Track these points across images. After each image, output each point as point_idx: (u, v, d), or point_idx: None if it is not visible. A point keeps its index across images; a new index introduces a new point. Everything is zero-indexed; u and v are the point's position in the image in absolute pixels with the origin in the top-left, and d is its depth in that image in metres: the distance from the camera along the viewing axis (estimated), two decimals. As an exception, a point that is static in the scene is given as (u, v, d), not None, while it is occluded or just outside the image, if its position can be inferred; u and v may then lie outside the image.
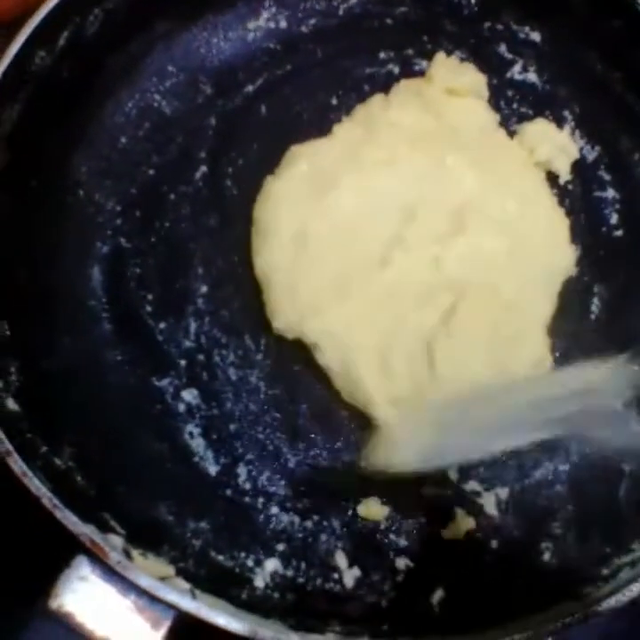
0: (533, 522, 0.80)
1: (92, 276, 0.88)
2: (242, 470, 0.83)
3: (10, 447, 0.71)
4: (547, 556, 0.78)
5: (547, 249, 0.90)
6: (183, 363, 0.86)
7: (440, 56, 0.96)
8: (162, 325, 0.87)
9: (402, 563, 0.79)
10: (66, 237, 0.89)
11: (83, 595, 0.66)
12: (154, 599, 0.67)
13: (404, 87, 0.95)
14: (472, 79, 0.96)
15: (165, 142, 0.94)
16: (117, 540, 0.71)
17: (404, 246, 0.86)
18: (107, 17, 0.90)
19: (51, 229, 0.88)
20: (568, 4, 0.95)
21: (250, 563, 0.78)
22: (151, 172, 0.93)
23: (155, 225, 0.91)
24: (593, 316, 0.88)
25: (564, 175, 0.93)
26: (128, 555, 0.70)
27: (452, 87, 0.95)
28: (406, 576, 0.78)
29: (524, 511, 0.80)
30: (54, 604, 0.66)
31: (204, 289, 0.89)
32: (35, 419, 0.77)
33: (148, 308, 0.88)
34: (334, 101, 0.96)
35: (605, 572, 0.73)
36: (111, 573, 0.67)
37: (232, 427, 0.84)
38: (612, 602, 0.69)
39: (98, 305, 0.87)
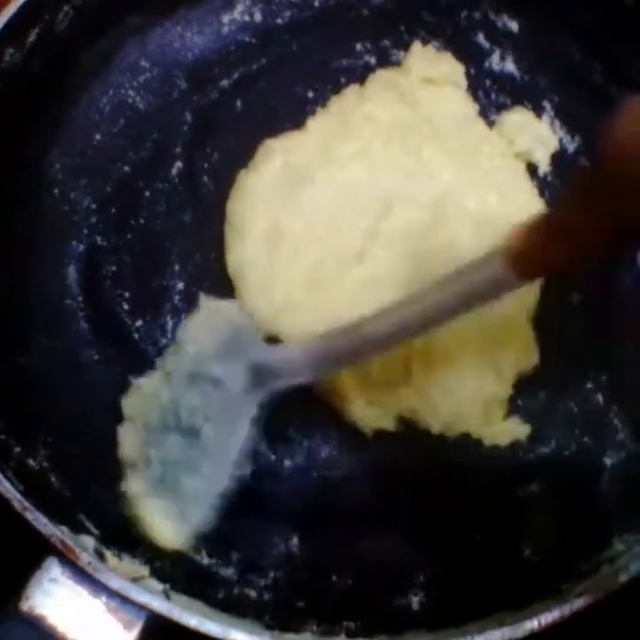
0: (514, 518, 0.79)
1: (68, 274, 0.88)
2: (219, 468, 0.82)
3: (-21, 449, 0.70)
4: (527, 553, 0.77)
5: None
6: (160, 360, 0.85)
7: (416, 46, 0.96)
8: (138, 323, 0.86)
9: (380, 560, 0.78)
10: (41, 236, 0.88)
11: (54, 597, 0.66)
12: (126, 600, 0.66)
13: (380, 78, 0.94)
14: (449, 69, 0.95)
15: (140, 138, 0.93)
16: (89, 541, 0.70)
17: (380, 241, 0.85)
18: (77, 13, 0.88)
19: (25, 229, 0.87)
20: (546, -8, 0.95)
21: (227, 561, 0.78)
22: (126, 168, 0.92)
23: (130, 222, 0.90)
24: (573, 307, 0.88)
25: (544, 166, 0.93)
26: (101, 556, 0.70)
27: (430, 77, 0.94)
28: (384, 573, 0.77)
29: (503, 507, 0.79)
30: (25, 606, 0.65)
31: (180, 286, 0.88)
32: (8, 420, 0.76)
33: (125, 307, 0.87)
34: (311, 94, 0.95)
35: (585, 567, 0.72)
36: (83, 575, 0.66)
37: (209, 424, 0.83)
38: (589, 598, 0.68)
39: (74, 304, 0.87)
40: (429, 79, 0.94)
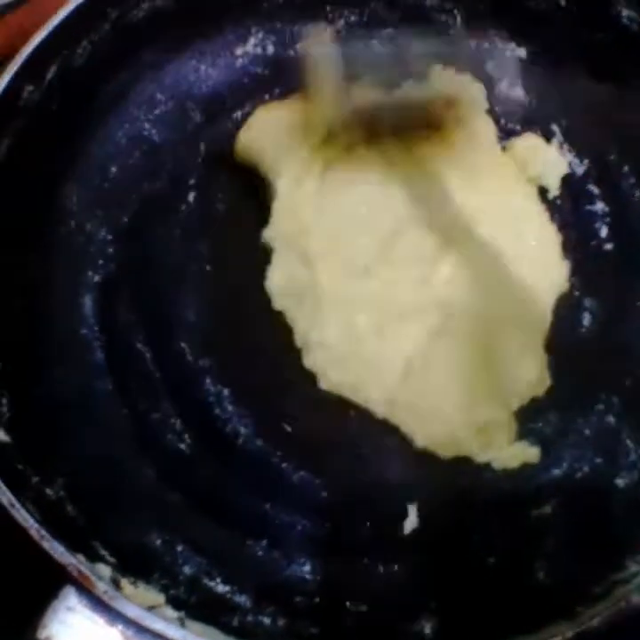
0: (527, 540, 0.79)
1: (84, 304, 0.89)
2: (234, 497, 0.83)
3: (-1, 479, 0.71)
4: (541, 575, 0.77)
5: (539, 265, 0.89)
6: (175, 390, 0.86)
7: (437, 68, 0.96)
8: (153, 353, 0.88)
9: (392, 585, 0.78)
10: (57, 267, 0.90)
11: (71, 625, 0.66)
12: (141, 628, 0.67)
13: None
14: (471, 90, 0.95)
15: (155, 170, 0.95)
16: (106, 570, 0.71)
17: (389, 260, 0.87)
18: (94, 49, 0.91)
19: (42, 259, 0.89)
20: (552, 19, 0.96)
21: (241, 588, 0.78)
22: (141, 200, 0.94)
23: (146, 253, 0.92)
24: (584, 330, 0.88)
25: (554, 190, 0.93)
26: (117, 584, 0.70)
27: (452, 98, 0.94)
28: (397, 598, 0.77)
29: (516, 529, 0.79)
30: (42, 635, 0.65)
31: (193, 317, 0.89)
32: (26, 450, 0.77)
33: (140, 336, 0.88)
34: (323, 124, 0.97)
35: (598, 589, 0.72)
36: (99, 603, 0.67)
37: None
38: (603, 619, 0.68)
39: (89, 333, 0.88)
40: (451, 101, 0.94)
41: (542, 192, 0.93)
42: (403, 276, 0.87)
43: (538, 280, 0.88)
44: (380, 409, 0.83)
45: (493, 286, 0.88)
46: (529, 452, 0.82)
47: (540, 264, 0.89)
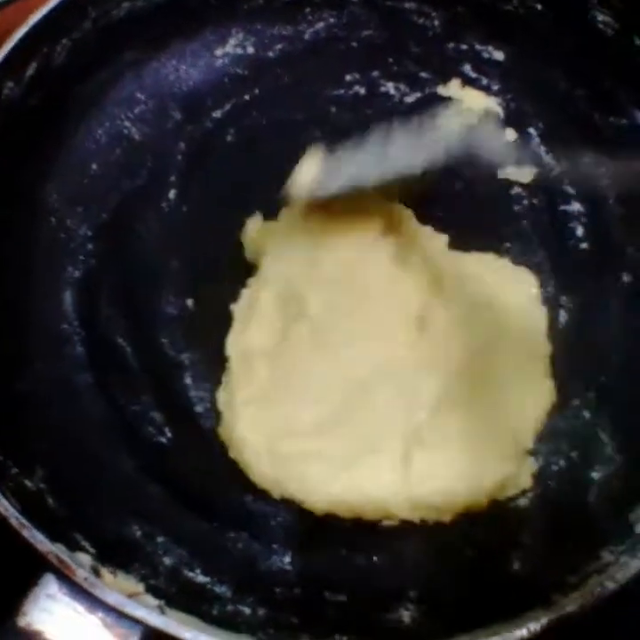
0: (505, 532, 0.80)
1: (64, 300, 0.90)
2: (213, 488, 0.83)
3: (-22, 469, 0.71)
4: (516, 565, 0.77)
5: (518, 299, 0.88)
6: (155, 384, 0.86)
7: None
8: (134, 347, 0.88)
9: (371, 575, 0.79)
10: (37, 263, 0.90)
11: (51, 612, 0.66)
12: (122, 616, 0.67)
13: None
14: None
15: (135, 167, 0.96)
16: (86, 558, 0.71)
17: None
18: (74, 47, 0.92)
19: (22, 255, 0.90)
20: (530, 23, 0.98)
21: (221, 579, 0.78)
22: (122, 196, 0.95)
23: (126, 249, 0.92)
24: (560, 327, 0.88)
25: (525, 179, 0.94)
26: (97, 573, 0.70)
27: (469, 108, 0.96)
28: (376, 588, 0.78)
29: (493, 521, 0.80)
30: (22, 622, 0.65)
31: (174, 311, 0.89)
32: (6, 441, 0.77)
33: (120, 331, 0.88)
34: (301, 123, 0.98)
35: (574, 579, 0.72)
36: (79, 591, 0.67)
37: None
38: (578, 608, 0.69)
39: (70, 328, 0.88)
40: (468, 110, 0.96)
41: (518, 195, 0.94)
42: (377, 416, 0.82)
43: (522, 308, 0.88)
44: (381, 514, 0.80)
45: (485, 350, 0.84)
46: (532, 468, 0.81)
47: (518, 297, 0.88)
